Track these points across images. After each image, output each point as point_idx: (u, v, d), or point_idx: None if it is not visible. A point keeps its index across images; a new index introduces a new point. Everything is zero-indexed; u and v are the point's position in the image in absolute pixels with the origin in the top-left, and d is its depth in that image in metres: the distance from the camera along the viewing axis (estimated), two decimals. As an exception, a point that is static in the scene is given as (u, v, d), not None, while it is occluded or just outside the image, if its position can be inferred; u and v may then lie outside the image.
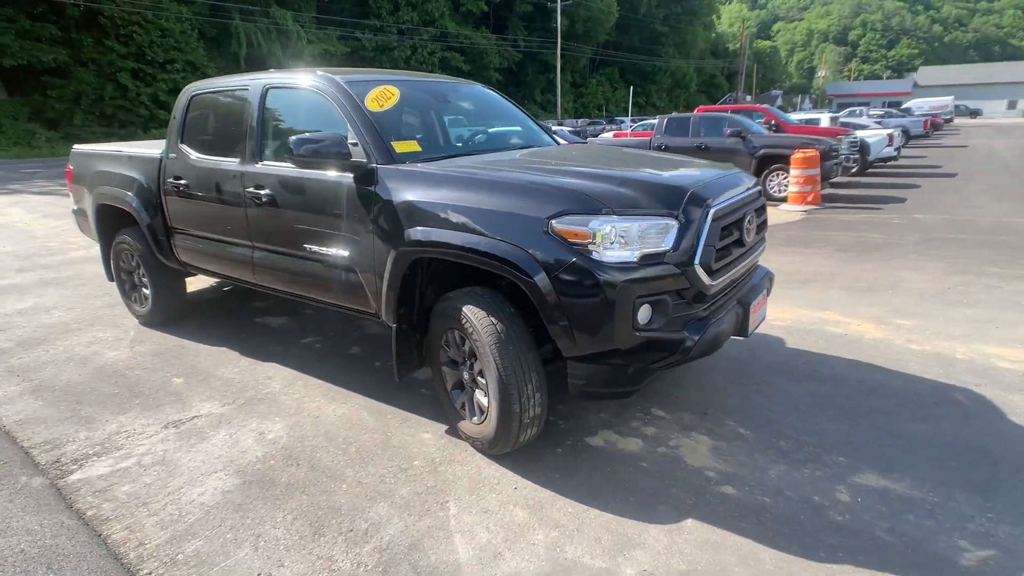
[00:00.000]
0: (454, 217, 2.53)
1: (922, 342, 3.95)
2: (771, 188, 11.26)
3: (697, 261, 2.36)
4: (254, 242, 3.48)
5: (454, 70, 43.30)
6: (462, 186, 2.60)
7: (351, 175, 2.90)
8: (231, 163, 3.52)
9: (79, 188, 4.87)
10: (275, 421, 3.12)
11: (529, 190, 2.45)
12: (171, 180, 3.90)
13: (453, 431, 2.93)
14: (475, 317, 2.51)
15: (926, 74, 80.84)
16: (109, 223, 4.67)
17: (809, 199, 10.21)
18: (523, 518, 2.32)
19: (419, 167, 2.80)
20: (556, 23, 42.90)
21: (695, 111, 15.94)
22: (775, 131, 13.73)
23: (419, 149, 3.03)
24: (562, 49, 45.61)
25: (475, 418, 2.74)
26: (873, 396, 3.23)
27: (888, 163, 16.57)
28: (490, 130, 3.77)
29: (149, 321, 4.55)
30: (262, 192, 3.29)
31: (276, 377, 3.66)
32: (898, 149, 16.33)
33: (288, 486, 2.56)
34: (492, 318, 2.49)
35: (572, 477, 2.58)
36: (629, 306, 2.26)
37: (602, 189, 2.38)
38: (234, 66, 31.02)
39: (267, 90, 3.42)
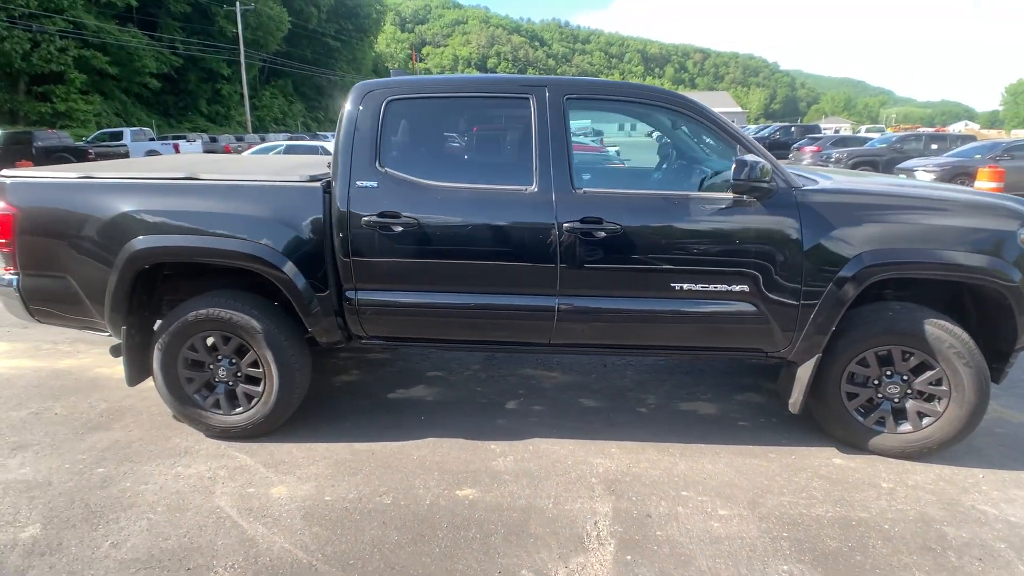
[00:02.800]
0: (922, 235, 2.65)
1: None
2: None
3: None
4: (564, 289, 2.78)
5: (97, 73, 35.33)
6: (912, 205, 2.78)
7: (754, 199, 2.67)
8: (520, 191, 2.73)
9: (46, 242, 2.89)
10: (695, 499, 2.60)
11: (983, 207, 2.79)
12: (372, 219, 2.74)
13: (853, 449, 2.96)
14: (940, 329, 2.67)
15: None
16: (147, 294, 2.94)
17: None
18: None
19: (853, 184, 2.82)
20: (238, 28, 38.94)
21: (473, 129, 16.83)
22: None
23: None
24: (234, 57, 41.39)
25: (903, 426, 2.85)
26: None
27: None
28: None
29: (253, 430, 3.00)
30: (597, 226, 2.68)
31: (563, 451, 2.98)
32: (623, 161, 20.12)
33: (851, 550, 2.29)
34: (955, 326, 2.69)
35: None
36: None
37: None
38: None
39: (567, 99, 2.77)
